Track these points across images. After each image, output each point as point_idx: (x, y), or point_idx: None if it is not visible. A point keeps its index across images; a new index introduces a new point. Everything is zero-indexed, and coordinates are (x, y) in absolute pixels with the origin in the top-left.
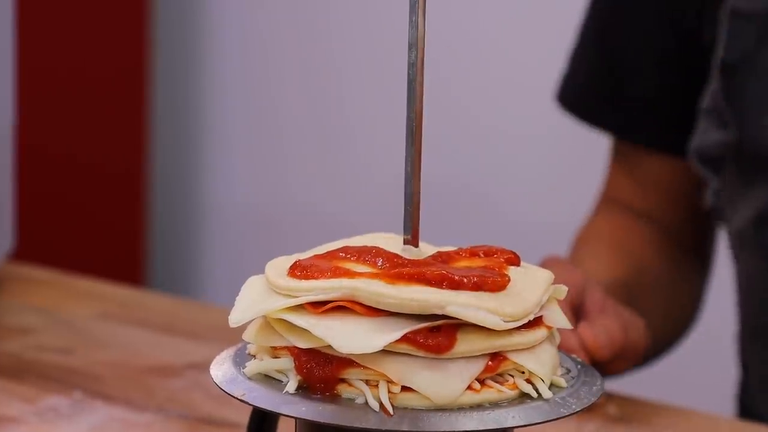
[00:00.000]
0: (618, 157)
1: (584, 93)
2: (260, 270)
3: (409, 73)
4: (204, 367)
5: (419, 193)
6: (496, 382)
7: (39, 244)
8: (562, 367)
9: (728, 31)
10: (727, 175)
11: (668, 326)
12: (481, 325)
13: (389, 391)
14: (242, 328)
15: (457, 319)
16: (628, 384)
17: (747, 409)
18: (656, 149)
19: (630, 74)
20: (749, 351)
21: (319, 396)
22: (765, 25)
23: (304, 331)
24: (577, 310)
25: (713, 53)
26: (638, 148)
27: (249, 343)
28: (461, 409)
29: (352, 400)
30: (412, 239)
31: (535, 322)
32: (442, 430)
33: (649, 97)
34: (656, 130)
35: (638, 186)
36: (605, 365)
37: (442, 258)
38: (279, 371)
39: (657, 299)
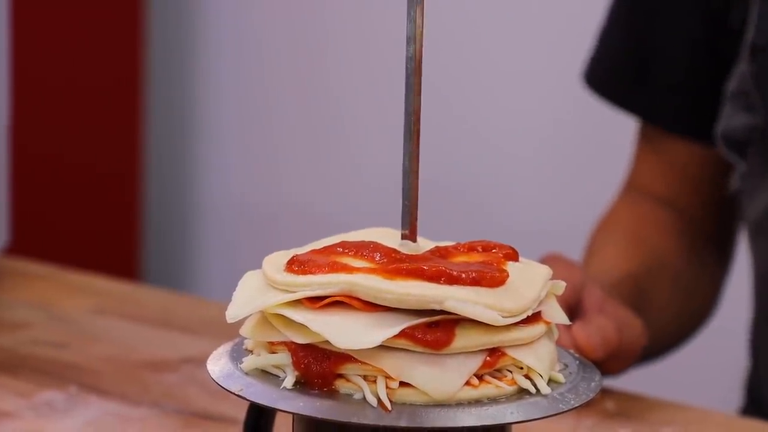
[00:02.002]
0: (643, 141)
1: (612, 74)
2: (254, 265)
3: (407, 68)
4: (199, 361)
5: (417, 188)
6: (495, 377)
7: (34, 239)
8: (561, 362)
9: (759, 14)
10: (749, 160)
11: (684, 317)
12: (480, 320)
13: (387, 387)
14: (238, 323)
15: (455, 314)
16: (625, 379)
17: (756, 399)
18: (682, 134)
19: (658, 57)
20: (762, 339)
21: (316, 391)
22: None
23: (301, 327)
24: (573, 309)
25: (741, 37)
26: (664, 133)
27: (246, 338)
28: (459, 404)
29: (350, 395)
30: (410, 234)
31: (534, 318)
32: (441, 425)
33: (676, 80)
34: (683, 114)
35: (662, 171)
36: (599, 365)
37: (440, 253)
38: (276, 367)
39: (674, 289)
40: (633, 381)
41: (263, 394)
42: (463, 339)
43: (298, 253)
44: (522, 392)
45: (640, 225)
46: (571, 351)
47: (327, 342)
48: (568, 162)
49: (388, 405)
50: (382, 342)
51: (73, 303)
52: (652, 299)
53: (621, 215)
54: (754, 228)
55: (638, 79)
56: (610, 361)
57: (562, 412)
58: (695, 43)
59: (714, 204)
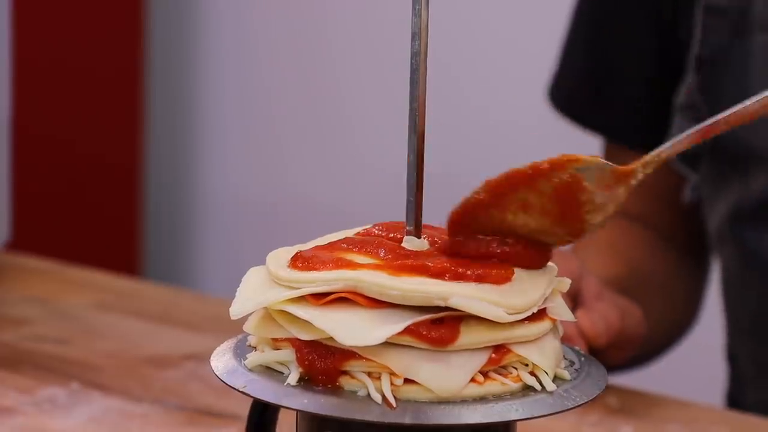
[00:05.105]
0: (607, 160)
1: (573, 93)
2: (256, 261)
3: (411, 63)
4: (201, 357)
5: (422, 183)
6: (500, 374)
7: (35, 235)
8: (566, 359)
9: (702, 27)
10: (703, 172)
11: (663, 328)
12: (485, 317)
13: (392, 384)
14: (241, 319)
15: (460, 311)
16: (628, 376)
17: (735, 402)
18: (644, 150)
19: (615, 73)
20: (735, 344)
21: (320, 388)
22: (738, 21)
23: (305, 323)
24: (573, 298)
25: (689, 49)
26: (626, 150)
27: (250, 334)
28: (464, 401)
29: (354, 392)
30: (415, 230)
31: (539, 315)
32: (445, 422)
33: (632, 96)
34: (643, 130)
35: None
36: (602, 354)
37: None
38: (280, 363)
39: (651, 300)
40: (636, 378)
41: (267, 391)
42: (468, 336)
43: (302, 249)
44: (527, 389)
45: (614, 238)
46: (576, 348)
47: (331, 339)
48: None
49: (393, 402)
50: (387, 339)
51: (74, 299)
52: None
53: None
54: (716, 237)
55: (598, 97)
56: (612, 349)
57: (568, 409)
58: (649, 55)
59: (683, 216)
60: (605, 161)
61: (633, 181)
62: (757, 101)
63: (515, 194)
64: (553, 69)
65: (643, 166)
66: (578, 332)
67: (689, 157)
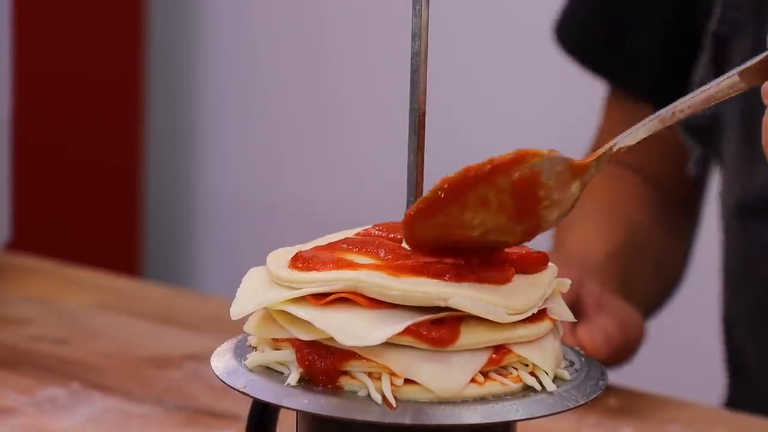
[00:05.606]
0: (612, 106)
1: (584, 35)
2: (256, 261)
3: (412, 63)
4: (202, 358)
5: (422, 184)
6: (500, 374)
7: (35, 235)
8: (566, 359)
9: (722, 2)
10: (724, 149)
11: (658, 285)
12: (485, 317)
13: (392, 384)
14: (241, 320)
15: (460, 311)
16: (628, 376)
17: (733, 399)
18: (651, 101)
19: (632, 24)
20: (734, 338)
21: (321, 388)
22: None
23: (305, 323)
24: (572, 308)
25: (707, 24)
26: (633, 99)
27: (250, 334)
28: (465, 402)
29: (354, 392)
30: None
31: (539, 315)
32: (446, 423)
33: (649, 47)
34: (653, 82)
35: None
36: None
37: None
38: (280, 363)
39: (649, 259)
40: (637, 378)
41: (267, 391)
42: (469, 336)
43: (303, 249)
44: (527, 389)
45: (615, 196)
46: (577, 348)
47: (331, 339)
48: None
49: (393, 402)
50: (387, 339)
51: (74, 299)
52: (635, 276)
53: (595, 185)
54: (724, 222)
55: (610, 41)
56: (613, 357)
57: (568, 410)
58: (668, 23)
59: (681, 173)
60: (562, 155)
61: (588, 176)
62: (716, 84)
63: (474, 191)
64: (562, 6)
65: (597, 160)
66: (578, 346)
67: (700, 130)
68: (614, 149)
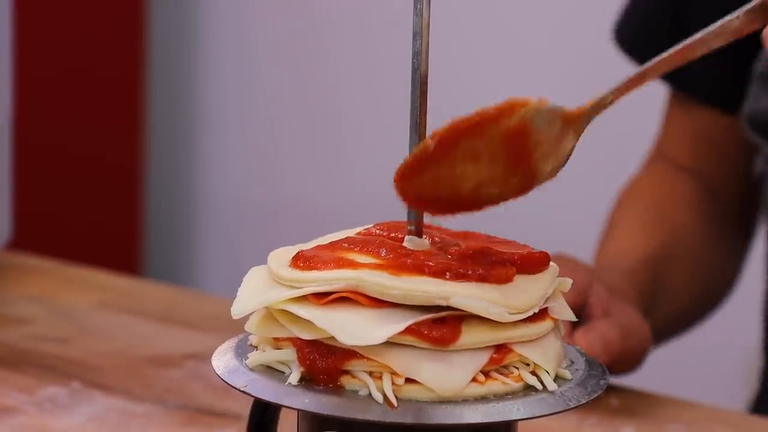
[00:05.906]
0: (672, 109)
1: (644, 36)
2: (257, 261)
3: (413, 62)
4: (203, 357)
5: None
6: (501, 374)
7: (36, 234)
8: (567, 359)
9: None
10: None
11: (701, 297)
12: (486, 316)
13: (393, 383)
14: (242, 319)
15: (461, 310)
16: (630, 376)
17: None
18: (711, 104)
19: (693, 25)
20: None
21: (322, 388)
22: None
23: (307, 323)
24: (578, 312)
25: None
26: (693, 101)
27: (251, 334)
28: (466, 401)
29: (355, 392)
30: (416, 230)
31: (540, 315)
32: (447, 422)
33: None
34: (714, 85)
35: (690, 140)
36: None
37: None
38: (281, 363)
39: (692, 270)
40: (638, 377)
41: (268, 390)
42: (470, 335)
43: (304, 248)
44: (528, 389)
45: (663, 197)
46: (577, 347)
47: (332, 338)
48: (578, 158)
49: (394, 401)
50: (388, 338)
51: (75, 298)
52: (670, 282)
53: (645, 185)
54: None
55: (671, 43)
56: (613, 365)
57: (569, 409)
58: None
59: (738, 178)
60: (554, 104)
61: (583, 125)
62: (689, 40)
63: (464, 143)
64: (621, 6)
65: (590, 108)
66: None
67: (764, 126)
68: (606, 100)
